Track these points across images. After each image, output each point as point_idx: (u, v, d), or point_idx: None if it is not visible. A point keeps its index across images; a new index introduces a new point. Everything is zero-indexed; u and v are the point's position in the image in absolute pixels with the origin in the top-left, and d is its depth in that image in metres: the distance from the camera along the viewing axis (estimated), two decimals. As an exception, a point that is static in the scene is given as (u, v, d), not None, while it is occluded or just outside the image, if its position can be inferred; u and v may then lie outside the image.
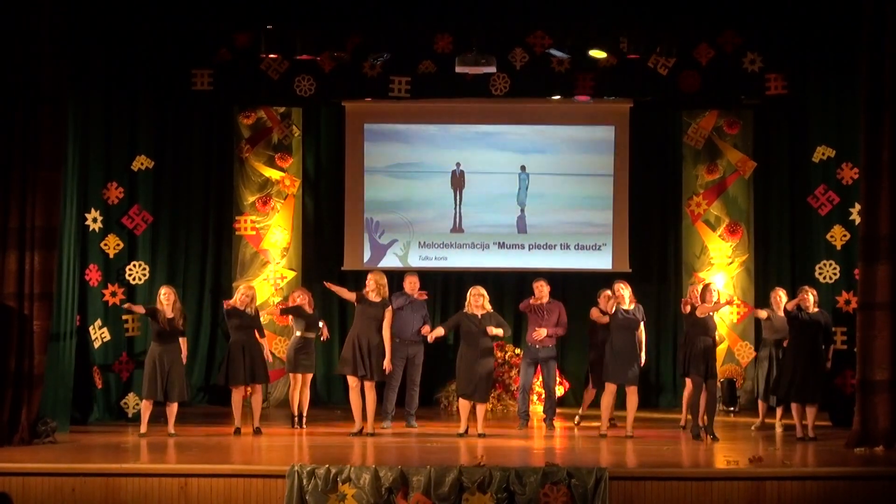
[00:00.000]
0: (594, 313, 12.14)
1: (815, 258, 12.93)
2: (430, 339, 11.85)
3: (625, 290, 11.66)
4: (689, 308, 11.61)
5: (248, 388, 11.91)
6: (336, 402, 13.76)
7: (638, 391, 11.64)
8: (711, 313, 11.45)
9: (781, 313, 11.77)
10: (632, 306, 11.64)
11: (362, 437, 11.35)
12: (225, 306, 12.19)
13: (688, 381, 11.81)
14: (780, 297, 12.00)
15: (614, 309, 11.67)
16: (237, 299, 11.87)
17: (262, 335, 12.02)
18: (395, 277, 13.59)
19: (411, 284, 12.46)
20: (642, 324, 11.74)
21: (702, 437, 11.19)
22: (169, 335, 11.53)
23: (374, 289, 11.53)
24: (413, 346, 12.30)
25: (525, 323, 12.78)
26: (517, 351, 13.68)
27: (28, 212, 10.90)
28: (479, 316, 11.53)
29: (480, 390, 11.50)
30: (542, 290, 12.19)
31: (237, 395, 11.79)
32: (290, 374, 12.20)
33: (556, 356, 12.34)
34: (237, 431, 11.63)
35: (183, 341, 11.71)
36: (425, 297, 12.68)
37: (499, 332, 11.61)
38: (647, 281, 14.10)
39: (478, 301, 11.55)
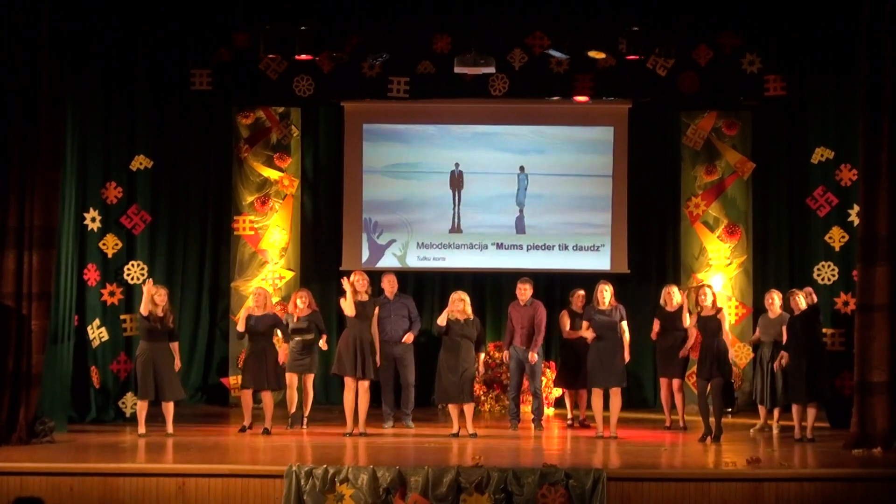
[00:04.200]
0: (565, 324, 12.38)
1: (813, 260, 12.91)
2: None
3: (606, 291, 11.68)
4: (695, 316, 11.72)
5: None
6: (334, 403, 13.74)
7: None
8: (711, 314, 11.47)
9: (773, 315, 11.86)
10: (609, 308, 11.65)
11: (359, 437, 11.37)
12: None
13: (663, 381, 12.13)
14: (775, 298, 12.01)
15: (586, 310, 11.80)
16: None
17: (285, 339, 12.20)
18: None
19: (390, 284, 12.50)
20: (624, 323, 11.71)
21: (708, 440, 11.21)
22: (160, 334, 11.52)
23: (365, 288, 11.62)
24: (398, 345, 12.32)
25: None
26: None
27: (27, 211, 10.91)
28: (462, 321, 11.58)
29: (466, 392, 11.56)
30: (525, 292, 12.30)
31: (247, 395, 11.81)
32: (287, 375, 12.21)
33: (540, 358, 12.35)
34: (243, 429, 11.65)
35: (174, 346, 11.68)
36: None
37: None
38: (645, 282, 14.09)
39: (459, 306, 11.62)
